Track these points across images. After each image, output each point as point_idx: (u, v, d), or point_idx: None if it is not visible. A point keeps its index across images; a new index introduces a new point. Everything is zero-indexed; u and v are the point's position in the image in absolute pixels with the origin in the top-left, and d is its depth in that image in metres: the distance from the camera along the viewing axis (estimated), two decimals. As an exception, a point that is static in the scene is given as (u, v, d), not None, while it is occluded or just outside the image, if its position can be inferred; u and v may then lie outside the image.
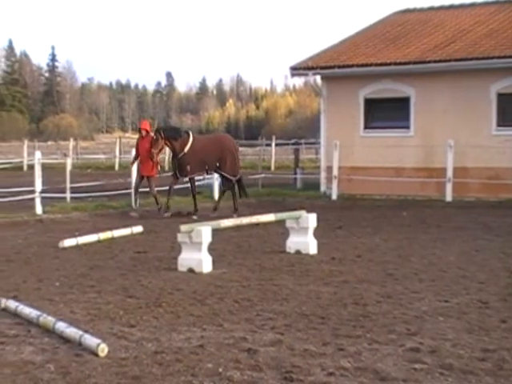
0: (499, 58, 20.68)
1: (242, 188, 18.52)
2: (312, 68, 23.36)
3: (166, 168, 32.24)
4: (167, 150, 23.84)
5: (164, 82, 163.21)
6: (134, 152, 19.14)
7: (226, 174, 18.05)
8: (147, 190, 18.62)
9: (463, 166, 20.92)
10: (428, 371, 5.66)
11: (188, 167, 17.59)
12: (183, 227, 10.24)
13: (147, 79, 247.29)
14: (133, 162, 19.19)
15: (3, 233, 14.47)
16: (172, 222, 15.57)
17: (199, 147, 17.71)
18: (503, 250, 11.91)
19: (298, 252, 11.63)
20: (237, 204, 18.19)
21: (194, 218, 16.87)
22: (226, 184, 18.54)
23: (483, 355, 6.04)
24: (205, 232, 10.11)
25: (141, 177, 18.17)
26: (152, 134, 17.90)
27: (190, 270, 10.10)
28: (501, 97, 21.09)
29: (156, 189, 18.40)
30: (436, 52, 22.06)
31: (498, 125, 21.12)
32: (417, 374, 5.59)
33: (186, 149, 17.53)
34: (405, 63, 21.86)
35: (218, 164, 17.90)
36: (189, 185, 18.42)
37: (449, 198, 20.55)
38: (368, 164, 22.09)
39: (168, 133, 17.74)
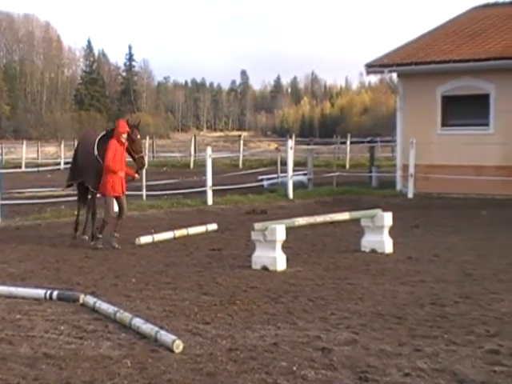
0: None
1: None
2: (388, 65, 23.10)
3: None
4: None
5: (239, 81, 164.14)
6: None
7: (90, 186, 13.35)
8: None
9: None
10: (508, 374, 5.52)
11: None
12: (257, 225, 10.25)
13: (222, 78, 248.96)
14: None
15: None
16: (246, 220, 15.60)
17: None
18: None
19: (373, 251, 11.53)
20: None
21: (97, 245, 12.55)
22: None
23: None
24: (279, 230, 10.09)
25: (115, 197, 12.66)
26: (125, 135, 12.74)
27: (264, 268, 10.11)
28: None
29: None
30: (518, 48, 21.50)
31: None
32: (496, 377, 5.45)
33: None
34: (485, 59, 21.37)
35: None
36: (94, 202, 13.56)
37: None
38: (446, 162, 21.70)
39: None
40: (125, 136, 12.72)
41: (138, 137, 13.15)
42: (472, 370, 5.63)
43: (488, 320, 7.17)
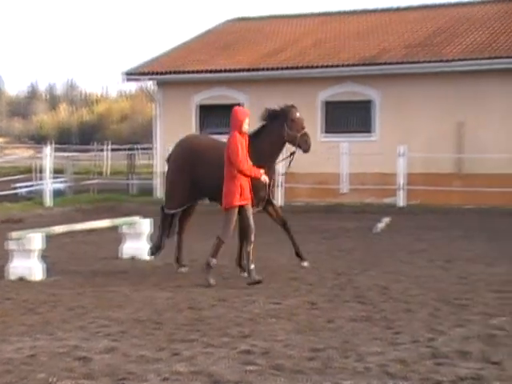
0: (324, 67, 21.56)
1: None
2: (147, 73, 23.36)
3: None
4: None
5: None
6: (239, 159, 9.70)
7: None
8: None
9: (293, 172, 21.55)
10: (260, 372, 5.80)
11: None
12: (13, 234, 9.96)
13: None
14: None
15: None
16: (2, 229, 15.01)
17: None
18: (330, 253, 12.44)
19: (132, 258, 11.60)
20: None
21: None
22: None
23: (312, 354, 6.27)
24: (36, 239, 9.88)
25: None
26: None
27: (21, 279, 9.84)
28: (326, 104, 21.98)
29: None
30: (266, 60, 22.68)
31: (325, 131, 21.99)
32: (249, 376, 5.72)
33: None
34: (237, 70, 22.31)
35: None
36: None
37: (280, 202, 21.12)
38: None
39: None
40: (246, 126, 9.85)
41: (298, 115, 10.44)
42: (227, 370, 5.86)
43: (242, 321, 7.50)
